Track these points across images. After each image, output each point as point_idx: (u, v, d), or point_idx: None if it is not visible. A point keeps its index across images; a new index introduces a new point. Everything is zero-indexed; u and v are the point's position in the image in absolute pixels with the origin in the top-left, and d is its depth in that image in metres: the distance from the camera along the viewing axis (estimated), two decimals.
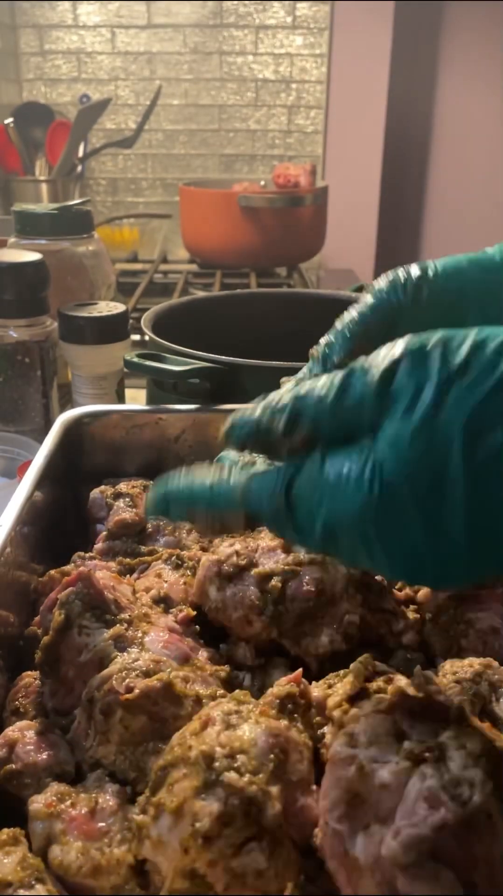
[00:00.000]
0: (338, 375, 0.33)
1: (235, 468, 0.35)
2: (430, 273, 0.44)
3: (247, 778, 0.33)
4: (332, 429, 0.32)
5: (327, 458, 0.32)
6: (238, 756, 0.34)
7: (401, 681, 0.38)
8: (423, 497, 0.30)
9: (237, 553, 0.48)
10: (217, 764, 0.33)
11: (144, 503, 0.37)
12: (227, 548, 0.49)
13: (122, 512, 0.58)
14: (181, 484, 0.36)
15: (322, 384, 0.33)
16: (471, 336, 0.31)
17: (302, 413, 0.33)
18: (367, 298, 0.44)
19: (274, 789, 0.33)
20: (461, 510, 0.29)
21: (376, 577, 0.48)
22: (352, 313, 0.44)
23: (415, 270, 0.44)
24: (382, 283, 0.44)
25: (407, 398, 0.30)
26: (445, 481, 0.29)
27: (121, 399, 0.85)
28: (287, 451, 0.34)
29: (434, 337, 0.31)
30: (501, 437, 0.29)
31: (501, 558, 0.31)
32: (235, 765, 0.33)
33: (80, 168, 1.78)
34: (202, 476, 0.36)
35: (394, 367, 0.31)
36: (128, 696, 0.39)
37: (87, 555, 0.55)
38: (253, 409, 0.34)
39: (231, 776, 0.33)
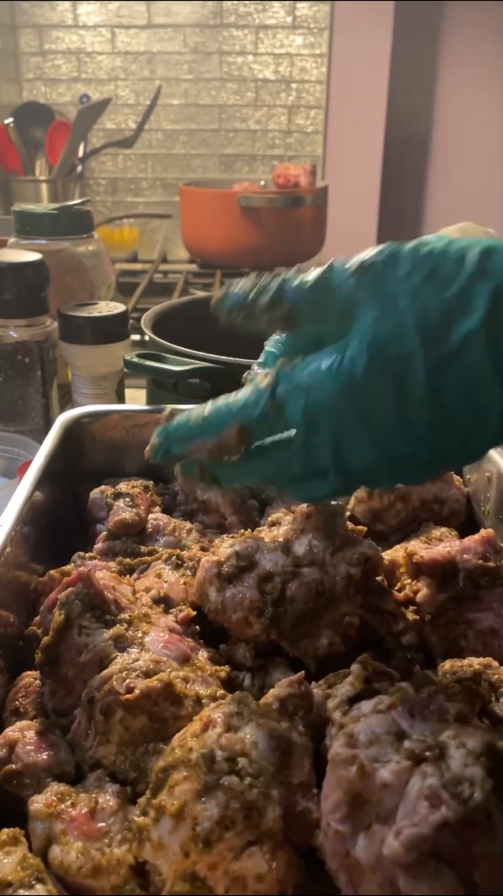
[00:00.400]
0: (321, 268, 0.38)
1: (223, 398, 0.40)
2: None
3: (247, 781, 0.33)
4: (310, 312, 0.38)
5: (303, 361, 0.37)
6: (239, 759, 0.34)
7: (401, 681, 0.38)
8: (390, 387, 0.35)
9: (237, 554, 0.48)
10: (218, 767, 0.33)
11: (150, 449, 0.42)
12: (226, 548, 0.49)
13: (122, 512, 0.58)
14: (178, 421, 0.40)
15: (308, 273, 0.38)
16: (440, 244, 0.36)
17: (285, 292, 0.38)
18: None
19: (275, 793, 0.33)
20: (423, 399, 0.34)
21: (376, 578, 0.48)
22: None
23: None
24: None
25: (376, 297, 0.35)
26: (409, 374, 0.34)
27: (121, 399, 0.85)
28: (267, 323, 0.40)
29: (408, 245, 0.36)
30: (457, 334, 0.33)
31: (461, 449, 0.36)
32: (236, 768, 0.33)
33: (79, 168, 1.78)
34: (197, 410, 0.40)
35: (370, 262, 0.36)
36: (128, 696, 0.39)
37: (87, 555, 0.55)
38: (244, 285, 0.40)
39: (232, 780, 0.33)
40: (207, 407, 0.39)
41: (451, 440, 0.36)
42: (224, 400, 0.39)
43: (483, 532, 0.51)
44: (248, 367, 0.48)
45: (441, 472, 0.39)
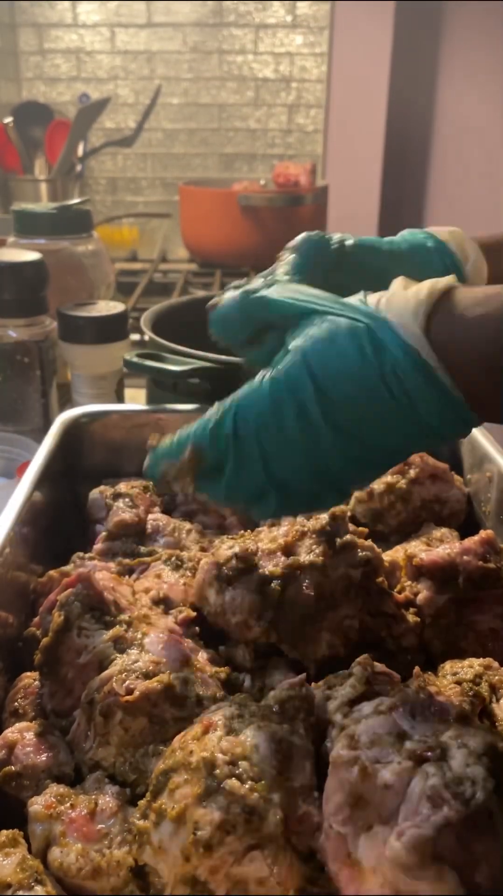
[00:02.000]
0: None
1: None
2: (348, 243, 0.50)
3: (248, 785, 0.33)
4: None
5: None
6: (240, 762, 0.34)
7: (402, 682, 0.38)
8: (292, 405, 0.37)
9: (237, 556, 0.48)
10: (218, 771, 0.33)
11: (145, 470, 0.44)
12: (226, 550, 0.48)
13: (122, 512, 0.58)
14: (161, 444, 0.42)
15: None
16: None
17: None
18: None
19: (275, 797, 0.33)
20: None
21: (377, 580, 0.48)
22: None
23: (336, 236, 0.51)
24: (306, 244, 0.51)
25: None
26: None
27: (120, 399, 0.85)
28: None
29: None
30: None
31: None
32: (237, 772, 0.33)
33: (79, 167, 1.78)
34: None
35: None
36: (128, 697, 0.39)
37: (87, 555, 0.54)
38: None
39: (233, 783, 0.33)
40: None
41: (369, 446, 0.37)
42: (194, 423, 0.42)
43: (483, 533, 0.51)
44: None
45: (381, 471, 0.42)
